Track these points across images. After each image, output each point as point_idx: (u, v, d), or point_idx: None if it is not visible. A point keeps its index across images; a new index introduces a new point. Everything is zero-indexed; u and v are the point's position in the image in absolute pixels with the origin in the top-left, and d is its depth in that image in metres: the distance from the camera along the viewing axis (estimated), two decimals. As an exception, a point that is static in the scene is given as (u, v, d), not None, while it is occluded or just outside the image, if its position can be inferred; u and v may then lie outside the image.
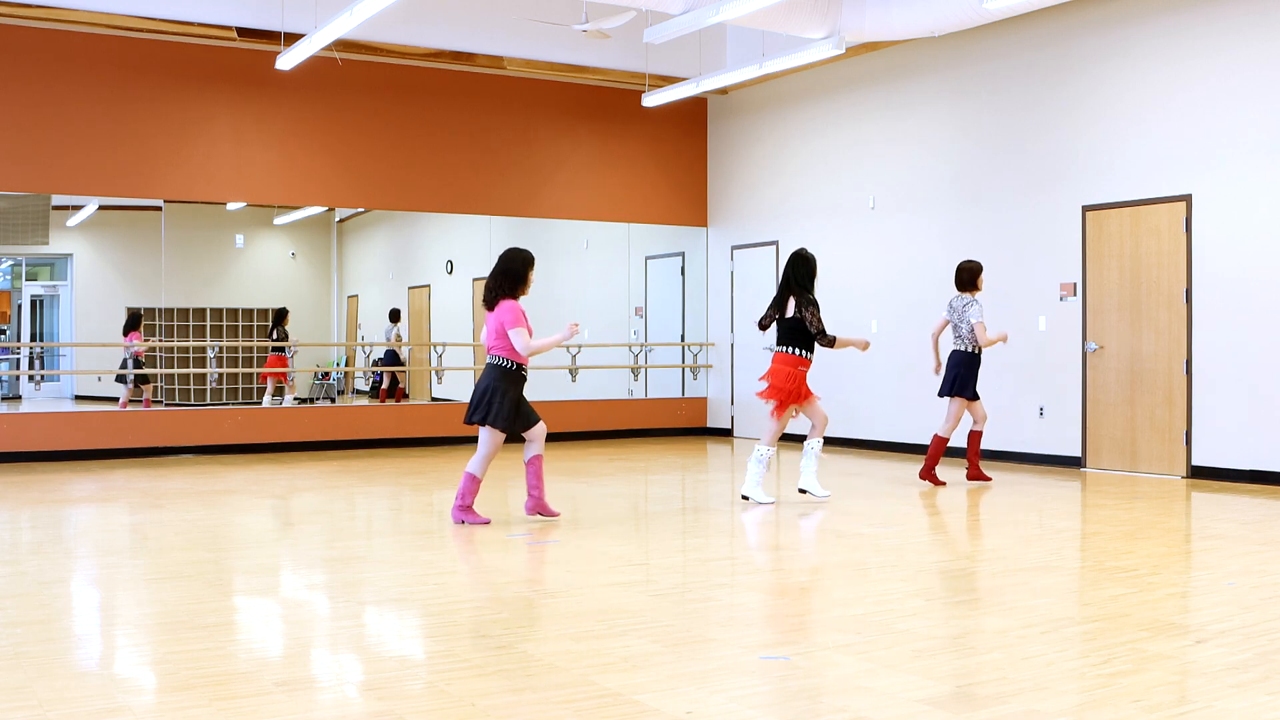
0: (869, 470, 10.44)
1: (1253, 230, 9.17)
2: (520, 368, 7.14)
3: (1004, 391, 11.03)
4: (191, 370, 12.85)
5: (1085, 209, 10.35)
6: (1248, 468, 9.20)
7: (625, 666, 4.03)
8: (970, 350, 9.08)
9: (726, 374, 14.50)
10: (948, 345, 9.37)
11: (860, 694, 3.71)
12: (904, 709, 3.54)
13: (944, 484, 9.18)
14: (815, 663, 4.06)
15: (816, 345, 8.06)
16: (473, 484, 7.17)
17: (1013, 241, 11.02)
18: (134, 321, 12.75)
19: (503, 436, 7.13)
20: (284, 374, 13.56)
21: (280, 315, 13.64)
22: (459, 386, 14.63)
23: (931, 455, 9.19)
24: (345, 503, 8.71)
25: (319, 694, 3.77)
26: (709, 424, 14.75)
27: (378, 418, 13.15)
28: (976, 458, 9.39)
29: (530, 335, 7.11)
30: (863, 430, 12.45)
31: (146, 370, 12.72)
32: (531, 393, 7.43)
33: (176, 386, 13.10)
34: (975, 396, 9.15)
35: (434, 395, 14.74)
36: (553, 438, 13.58)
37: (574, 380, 13.76)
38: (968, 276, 9.13)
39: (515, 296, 7.17)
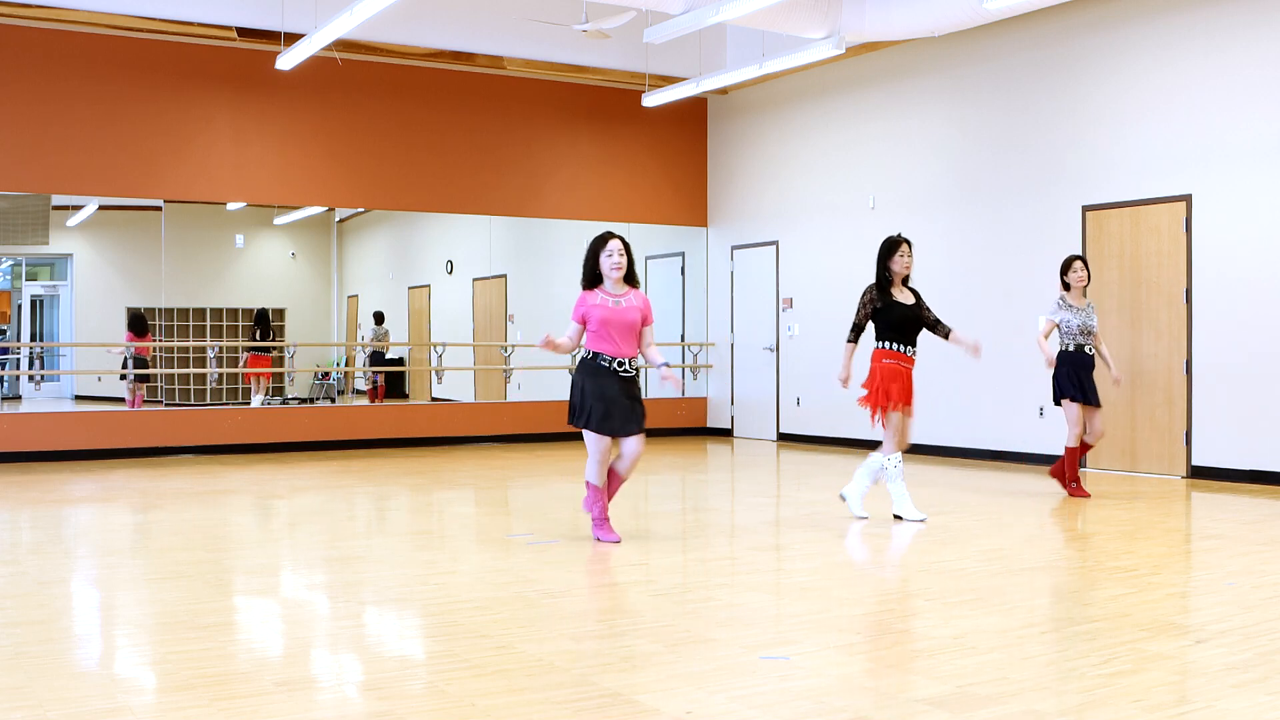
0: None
1: (1253, 230, 9.17)
2: (594, 356, 6.47)
3: (1003, 391, 11.03)
4: (191, 370, 12.86)
5: (1085, 209, 10.35)
6: (1248, 468, 9.19)
7: (625, 666, 4.03)
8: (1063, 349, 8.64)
9: (726, 374, 14.50)
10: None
11: (860, 694, 3.70)
12: (904, 709, 3.54)
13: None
14: (815, 663, 4.06)
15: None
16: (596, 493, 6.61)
17: (1013, 241, 11.02)
18: (131, 323, 12.68)
19: (592, 439, 6.45)
20: (266, 374, 13.45)
21: (261, 316, 13.52)
22: (459, 387, 14.63)
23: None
24: (345, 503, 8.71)
25: (319, 694, 3.77)
26: (709, 424, 14.75)
27: (378, 418, 13.15)
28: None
29: (574, 328, 6.55)
30: (863, 430, 12.44)
31: (144, 370, 12.66)
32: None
33: (177, 386, 13.10)
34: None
35: (434, 395, 14.74)
36: (553, 437, 13.58)
37: (574, 380, 13.74)
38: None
39: (586, 287, 6.59)
